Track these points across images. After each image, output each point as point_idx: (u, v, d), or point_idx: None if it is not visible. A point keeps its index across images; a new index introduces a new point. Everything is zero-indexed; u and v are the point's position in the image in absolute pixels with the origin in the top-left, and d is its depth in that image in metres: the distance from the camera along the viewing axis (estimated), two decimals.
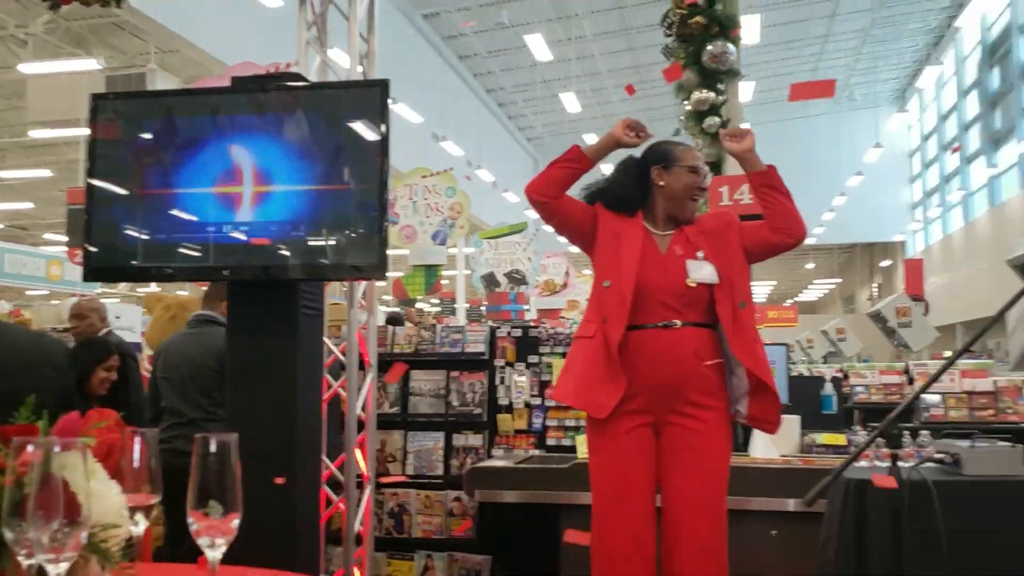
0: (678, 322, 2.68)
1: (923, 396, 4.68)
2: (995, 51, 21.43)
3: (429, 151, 17.60)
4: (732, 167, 5.72)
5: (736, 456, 3.94)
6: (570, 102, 20.44)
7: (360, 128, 2.88)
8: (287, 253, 2.82)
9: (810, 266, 35.56)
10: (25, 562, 0.95)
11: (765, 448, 4.04)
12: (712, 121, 5.48)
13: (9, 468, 0.97)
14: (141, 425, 1.35)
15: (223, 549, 1.13)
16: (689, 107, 5.58)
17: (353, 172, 2.86)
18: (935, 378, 2.13)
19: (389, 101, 2.91)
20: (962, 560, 2.67)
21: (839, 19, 21.81)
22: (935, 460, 2.99)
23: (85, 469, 0.99)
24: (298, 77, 3.18)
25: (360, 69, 3.87)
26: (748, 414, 2.73)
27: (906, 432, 3.39)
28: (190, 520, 1.11)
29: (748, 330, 2.71)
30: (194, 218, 2.88)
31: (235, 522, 1.12)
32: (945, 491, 2.71)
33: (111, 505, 1.17)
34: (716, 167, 5.89)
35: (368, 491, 3.64)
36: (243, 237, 2.83)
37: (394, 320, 7.25)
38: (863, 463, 3.15)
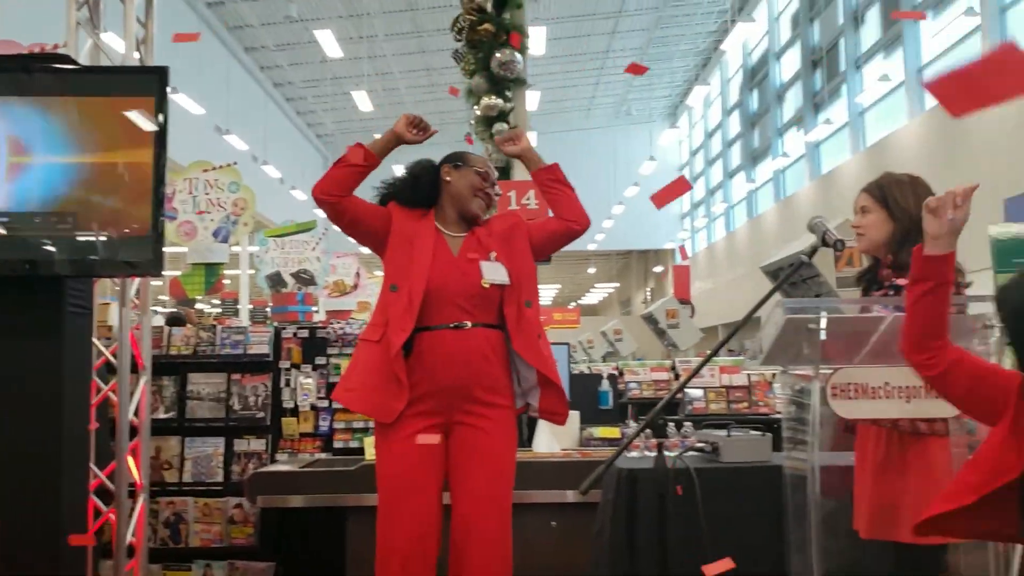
0: (468, 323, 2.73)
1: (688, 391, 5.07)
2: (755, 75, 23.44)
3: (211, 144, 16.85)
4: (520, 172, 5.92)
5: (520, 451, 4.09)
6: (362, 101, 20.26)
7: (135, 117, 2.74)
8: (52, 248, 2.64)
9: (592, 271, 37.26)
10: None
11: (548, 443, 4.21)
12: (500, 127, 5.64)
13: None
14: None
15: None
16: (479, 112, 5.72)
17: (128, 163, 2.72)
18: (691, 377, 2.33)
19: (168, 90, 2.79)
20: (720, 539, 2.91)
21: (619, 36, 23.03)
22: (697, 449, 3.25)
23: None
24: (67, 60, 2.98)
25: (137, 55, 3.67)
26: (539, 407, 2.85)
27: (672, 424, 3.67)
28: None
29: (532, 327, 2.81)
30: None
31: None
32: (705, 477, 2.95)
33: None
34: (505, 172, 6.07)
35: (142, 500, 3.45)
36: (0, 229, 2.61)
37: (175, 320, 6.85)
38: (634, 453, 3.37)
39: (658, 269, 33.62)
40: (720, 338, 2.52)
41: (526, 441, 4.59)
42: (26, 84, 2.73)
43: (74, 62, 3.04)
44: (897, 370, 2.15)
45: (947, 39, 12.68)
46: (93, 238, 2.67)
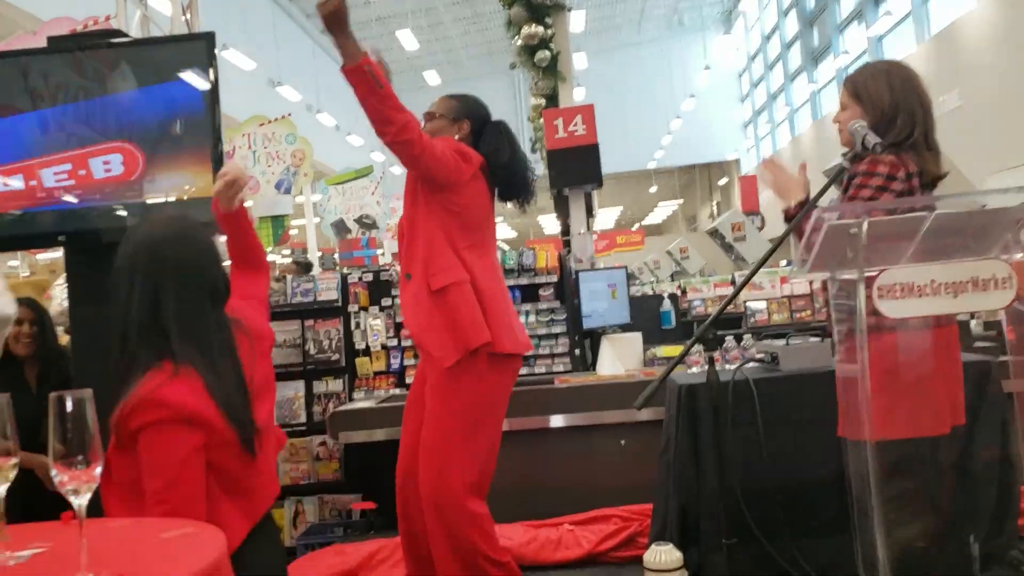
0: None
1: (749, 304, 5.09)
2: None
3: (265, 98, 17.04)
4: (565, 99, 5.92)
5: (585, 375, 4.20)
6: (407, 39, 20.15)
7: (188, 82, 2.85)
8: (124, 213, 2.79)
9: (653, 189, 36.78)
10: None
11: (611, 365, 4.31)
12: (543, 55, 5.62)
13: None
14: None
15: (87, 496, 1.20)
16: (520, 42, 5.70)
17: (185, 127, 2.84)
18: (735, 295, 2.38)
19: (218, 49, 2.89)
20: (780, 446, 2.99)
21: None
22: (757, 360, 3.29)
23: None
24: (118, 33, 3.09)
25: (185, 18, 3.77)
26: None
27: (731, 337, 3.72)
28: (54, 472, 1.18)
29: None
30: (19, 186, 2.80)
31: (98, 470, 1.20)
32: (764, 387, 3.01)
33: None
34: (552, 99, 6.07)
35: None
36: (74, 200, 2.78)
37: (307, 266, 7.16)
38: (694, 369, 3.44)
39: (723, 181, 33.04)
40: (792, 247, 2.55)
41: (590, 365, 4.70)
42: (83, 61, 2.86)
43: (124, 34, 3.15)
44: (942, 267, 2.17)
45: None
46: (163, 200, 2.82)
